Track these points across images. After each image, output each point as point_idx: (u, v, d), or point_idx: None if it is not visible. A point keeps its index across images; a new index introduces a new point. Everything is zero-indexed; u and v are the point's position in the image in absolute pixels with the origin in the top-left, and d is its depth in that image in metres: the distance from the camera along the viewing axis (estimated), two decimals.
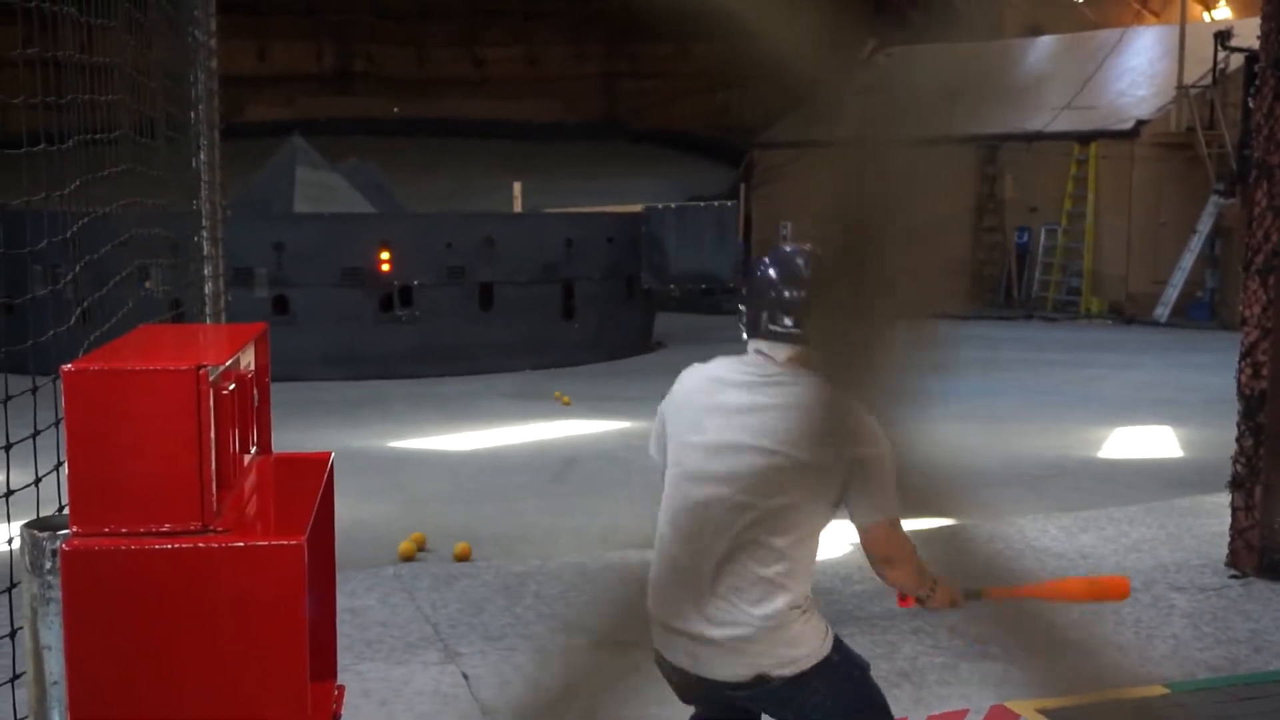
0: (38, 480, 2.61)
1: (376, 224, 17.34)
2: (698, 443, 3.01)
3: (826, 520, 3.00)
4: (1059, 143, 25.07)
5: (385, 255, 16.11)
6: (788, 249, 3.10)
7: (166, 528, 1.65)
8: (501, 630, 5.71)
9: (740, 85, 39.92)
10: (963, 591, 3.26)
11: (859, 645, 5.48)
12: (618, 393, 14.37)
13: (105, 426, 1.64)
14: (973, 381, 15.32)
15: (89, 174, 2.96)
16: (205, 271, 5.17)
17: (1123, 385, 15.10)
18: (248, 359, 1.94)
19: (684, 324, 20.12)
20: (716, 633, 2.90)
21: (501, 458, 10.69)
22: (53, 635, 1.77)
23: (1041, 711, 4.81)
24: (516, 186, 21.40)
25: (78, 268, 2.89)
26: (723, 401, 3.01)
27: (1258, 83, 6.81)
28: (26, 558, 1.82)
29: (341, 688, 2.17)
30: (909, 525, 3.22)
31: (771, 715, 3.07)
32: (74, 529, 1.66)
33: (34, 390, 2.48)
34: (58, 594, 1.73)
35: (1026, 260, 25.79)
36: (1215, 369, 15.30)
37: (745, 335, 3.08)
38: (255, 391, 1.97)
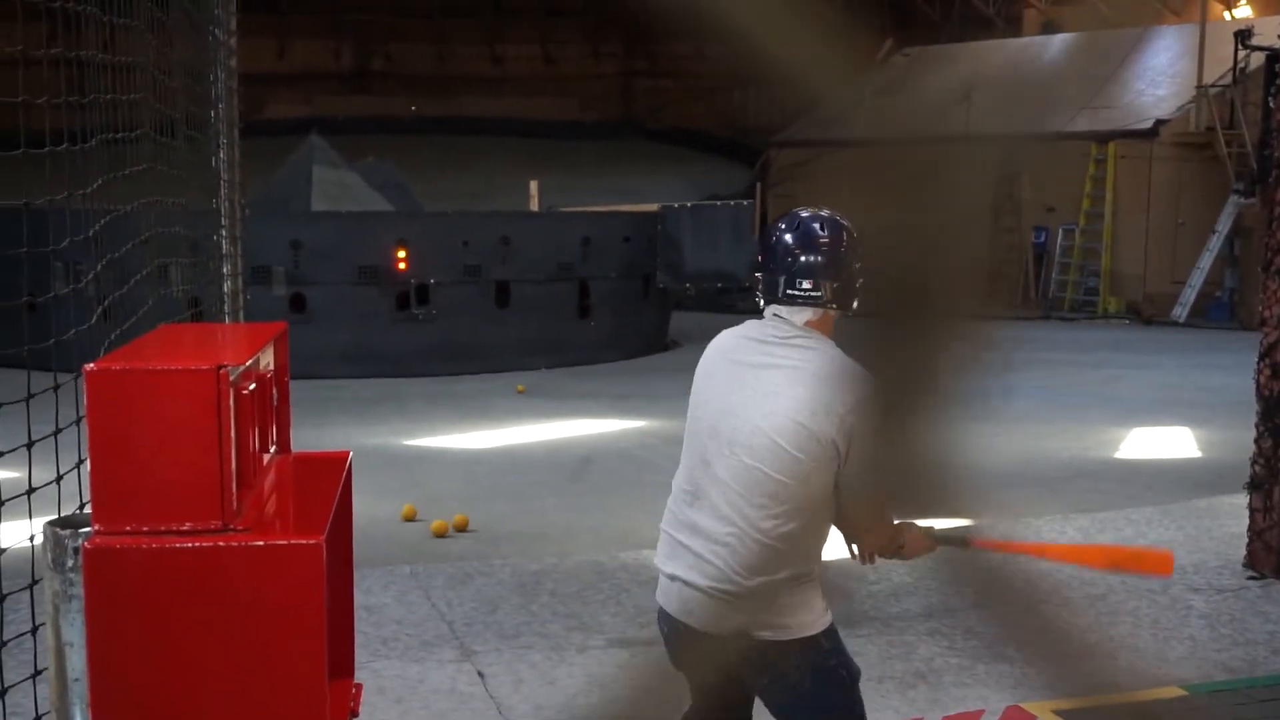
0: (59, 478, 2.63)
1: (393, 222, 17.38)
2: (714, 399, 3.07)
3: (834, 486, 2.98)
4: (1077, 142, 24.98)
5: (402, 254, 16.15)
6: (804, 214, 3.13)
7: (187, 526, 1.66)
8: (517, 629, 5.72)
9: (757, 85, 39.93)
10: (936, 536, 3.25)
11: (875, 646, 5.50)
12: (634, 391, 14.38)
13: (127, 425, 1.65)
14: (989, 381, 15.28)
15: (111, 172, 2.98)
16: (224, 270, 5.19)
17: (1141, 386, 15.05)
18: (267, 358, 1.95)
19: (699, 323, 20.12)
20: (705, 583, 2.95)
21: (518, 456, 10.71)
22: (74, 632, 1.79)
23: (1058, 713, 4.80)
24: (533, 185, 21.42)
25: (100, 266, 2.91)
26: (741, 358, 3.07)
27: (1278, 82, 6.78)
28: (49, 555, 1.84)
29: (359, 686, 2.18)
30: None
31: (749, 681, 3.06)
32: (96, 527, 1.67)
33: (55, 388, 2.50)
34: (79, 591, 1.74)
35: (1044, 260, 25.69)
36: (1234, 370, 15.22)
37: (762, 302, 3.11)
38: (275, 391, 1.99)
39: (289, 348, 2.11)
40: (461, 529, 8.13)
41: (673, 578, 3.04)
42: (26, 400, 2.42)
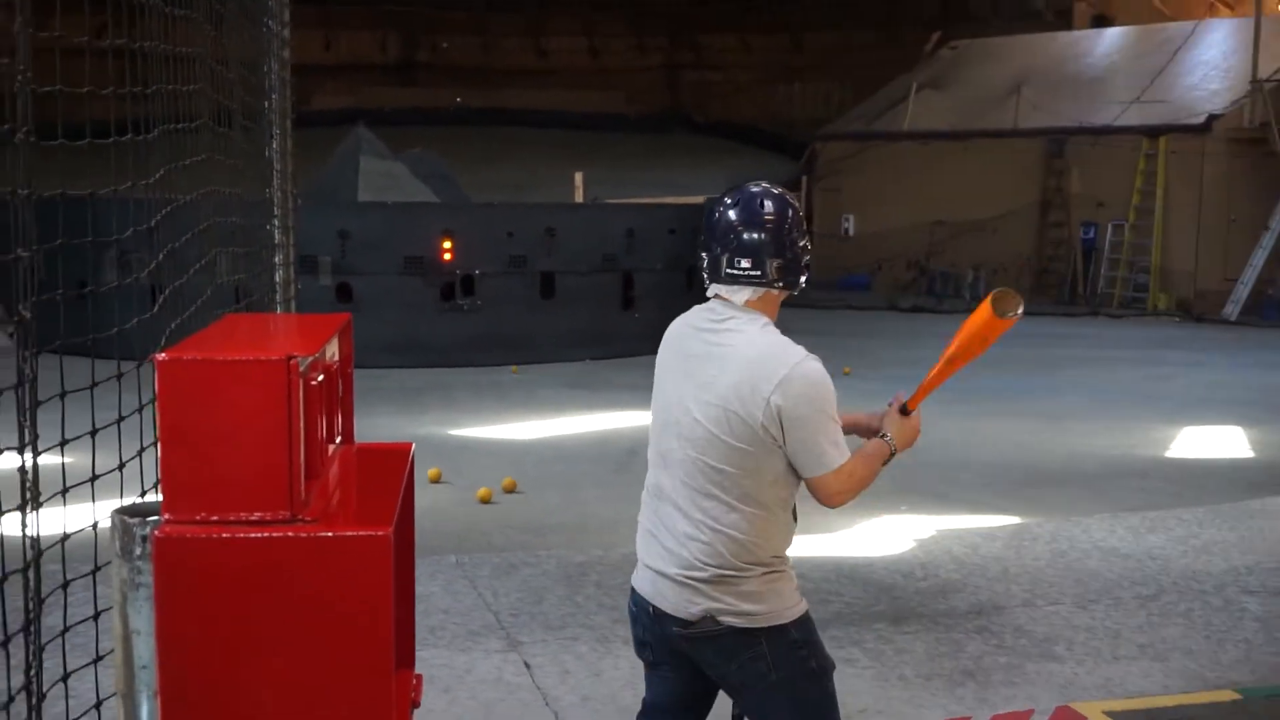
0: (121, 465, 2.65)
1: (439, 213, 17.44)
2: (664, 393, 3.06)
3: (784, 474, 2.92)
4: (1127, 137, 24.68)
5: (448, 244, 16.21)
6: (753, 189, 3.01)
7: (256, 516, 1.67)
8: (563, 620, 5.73)
9: (803, 78, 39.76)
10: (900, 412, 3.12)
11: (922, 643, 5.46)
12: None
13: (197, 415, 1.66)
14: (1037, 379, 15.16)
15: (171, 162, 3.00)
16: (276, 260, 5.23)
17: (1191, 384, 14.86)
18: (333, 349, 1.95)
19: None
20: (674, 571, 2.94)
21: (562, 447, 10.72)
22: (142, 620, 1.80)
23: (1108, 714, 4.75)
24: (578, 177, 21.43)
25: (160, 256, 2.93)
26: (685, 349, 3.03)
27: None
28: (117, 543, 1.85)
29: (419, 677, 2.19)
30: None
31: (716, 668, 3.00)
32: (165, 516, 1.68)
33: (119, 376, 2.52)
34: (147, 579, 1.75)
35: (1092, 256, 25.41)
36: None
37: (707, 280, 3.02)
38: (340, 382, 1.99)
39: None
40: (509, 491, 8.77)
41: (646, 566, 3.04)
42: (91, 388, 2.44)
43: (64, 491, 2.43)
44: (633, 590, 3.11)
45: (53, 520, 2.45)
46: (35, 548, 2.17)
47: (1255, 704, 4.87)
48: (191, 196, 3.28)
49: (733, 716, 3.15)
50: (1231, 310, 22.82)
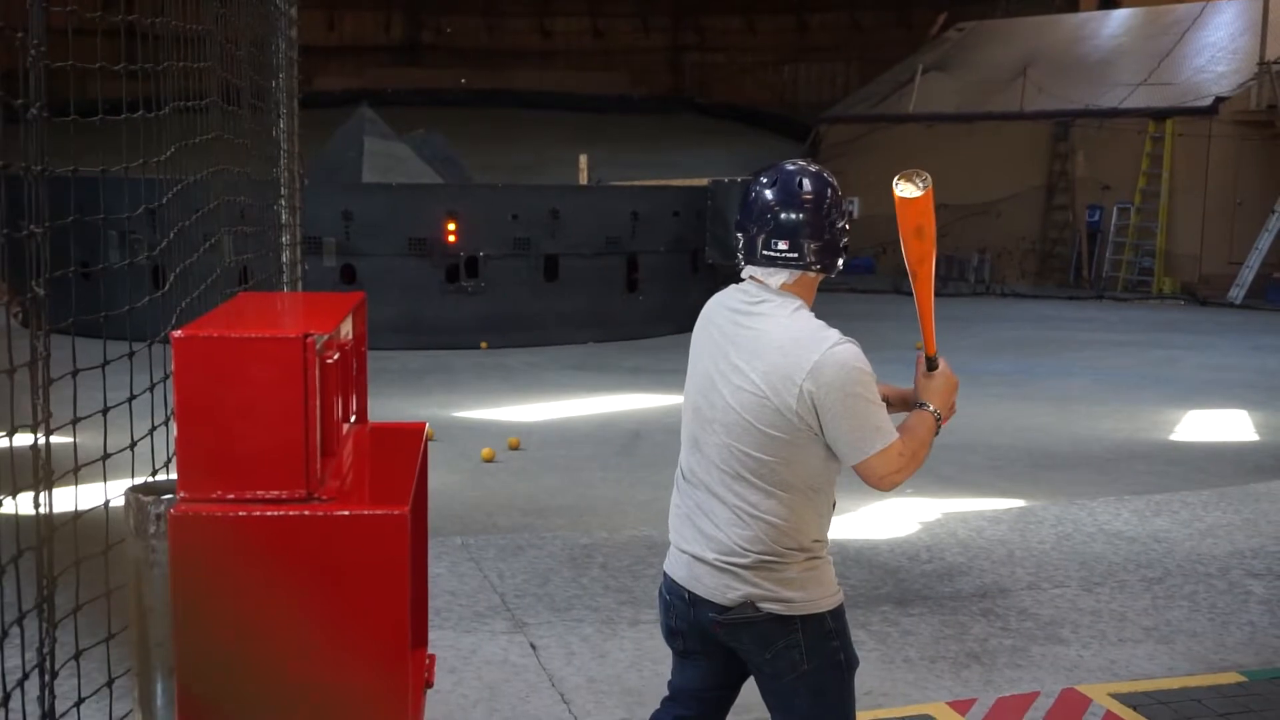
0: (133, 444, 2.65)
1: (443, 195, 17.41)
2: (697, 375, 3.00)
3: (823, 462, 2.85)
4: (1134, 120, 24.61)
5: (452, 226, 16.19)
6: (789, 168, 2.91)
7: (272, 495, 1.66)
8: (568, 601, 5.74)
9: (808, 60, 39.63)
10: (928, 372, 3.03)
11: (928, 625, 5.47)
12: (682, 367, 14.25)
13: (214, 393, 1.65)
14: (1043, 362, 15.15)
15: (182, 141, 2.99)
16: (283, 240, 5.23)
17: (1196, 367, 14.84)
18: (347, 328, 1.95)
19: None
20: (713, 556, 2.87)
21: (567, 429, 10.73)
22: (156, 598, 1.80)
23: (1113, 696, 4.76)
24: (583, 159, 21.39)
25: (171, 235, 2.92)
26: (719, 331, 2.95)
27: None
28: (131, 521, 1.85)
29: (433, 656, 2.19)
30: None
31: (750, 655, 2.94)
32: (181, 494, 1.68)
33: (130, 355, 2.52)
34: (162, 557, 1.75)
35: (1098, 239, 25.38)
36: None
37: (742, 261, 2.95)
38: (354, 361, 1.98)
39: None
40: (514, 448, 9.58)
41: (682, 551, 2.98)
42: (103, 367, 2.44)
43: (76, 470, 2.43)
44: (666, 576, 3.03)
45: (65, 499, 2.46)
46: (48, 526, 2.17)
47: (1259, 686, 4.88)
48: (201, 176, 3.27)
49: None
50: (1236, 294, 22.79)
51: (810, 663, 2.88)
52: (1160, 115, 24.41)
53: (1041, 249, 26.33)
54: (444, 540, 6.64)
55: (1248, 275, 22.91)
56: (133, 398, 2.65)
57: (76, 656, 2.43)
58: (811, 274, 2.89)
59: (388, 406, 10.88)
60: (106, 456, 2.49)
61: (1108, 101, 25.23)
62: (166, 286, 2.88)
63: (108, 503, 2.28)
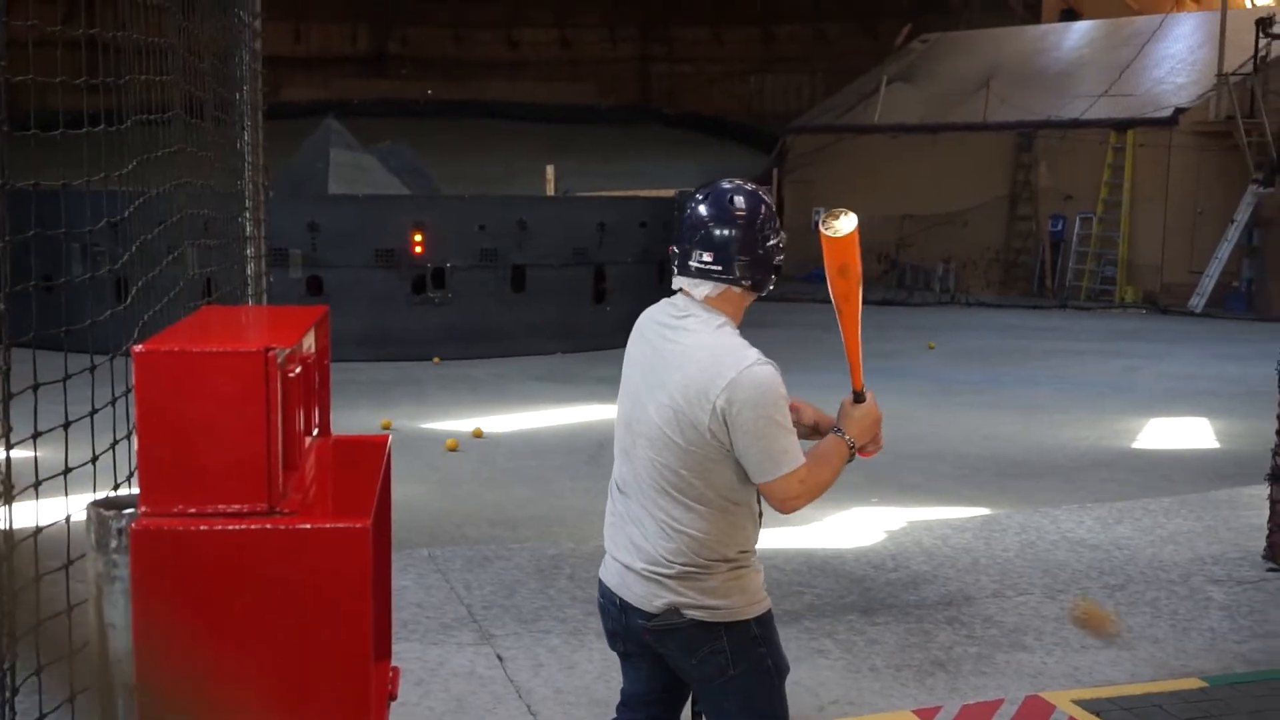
0: (94, 459, 2.64)
1: (410, 206, 17.39)
2: (628, 388, 3.06)
3: (738, 478, 2.89)
4: (1095, 130, 24.87)
5: (419, 237, 16.17)
6: (724, 185, 2.97)
7: (234, 509, 1.67)
8: (536, 613, 5.74)
9: (774, 71, 39.82)
10: (853, 403, 3.07)
11: (893, 634, 5.50)
12: None
13: (175, 407, 1.65)
14: (1006, 371, 15.26)
15: (144, 154, 2.98)
16: (247, 252, 5.20)
17: (1158, 376, 14.99)
18: (310, 342, 1.95)
19: None
20: (641, 566, 2.95)
21: (535, 440, 10.72)
22: (118, 613, 1.79)
23: (1077, 702, 4.80)
24: (549, 170, 21.42)
25: (134, 247, 2.91)
26: (647, 343, 3.01)
27: None
28: (92, 536, 1.84)
29: (397, 669, 2.19)
30: None
31: (677, 661, 3.01)
32: (143, 508, 1.68)
33: (92, 369, 2.51)
34: (123, 572, 1.75)
35: (1061, 249, 25.61)
36: (1252, 360, 15.17)
37: (675, 273, 2.99)
38: (317, 374, 1.99)
39: None
40: (477, 437, 10.42)
41: (614, 559, 3.05)
42: (64, 381, 2.43)
43: (36, 485, 2.42)
44: (600, 582, 3.13)
45: (25, 514, 2.44)
46: (8, 541, 2.16)
47: (1220, 691, 4.93)
48: (164, 189, 3.26)
49: (693, 713, 3.17)
50: (1197, 302, 23.05)
51: (737, 668, 2.96)
52: (1121, 126, 24.68)
53: (1006, 258, 26.55)
54: (411, 552, 6.62)
55: (1208, 284, 23.17)
56: (94, 412, 2.64)
57: (38, 673, 2.41)
58: (738, 290, 2.94)
59: (354, 419, 10.84)
60: (68, 471, 2.48)
61: (1070, 112, 25.50)
62: (129, 300, 2.87)
63: (69, 517, 2.27)
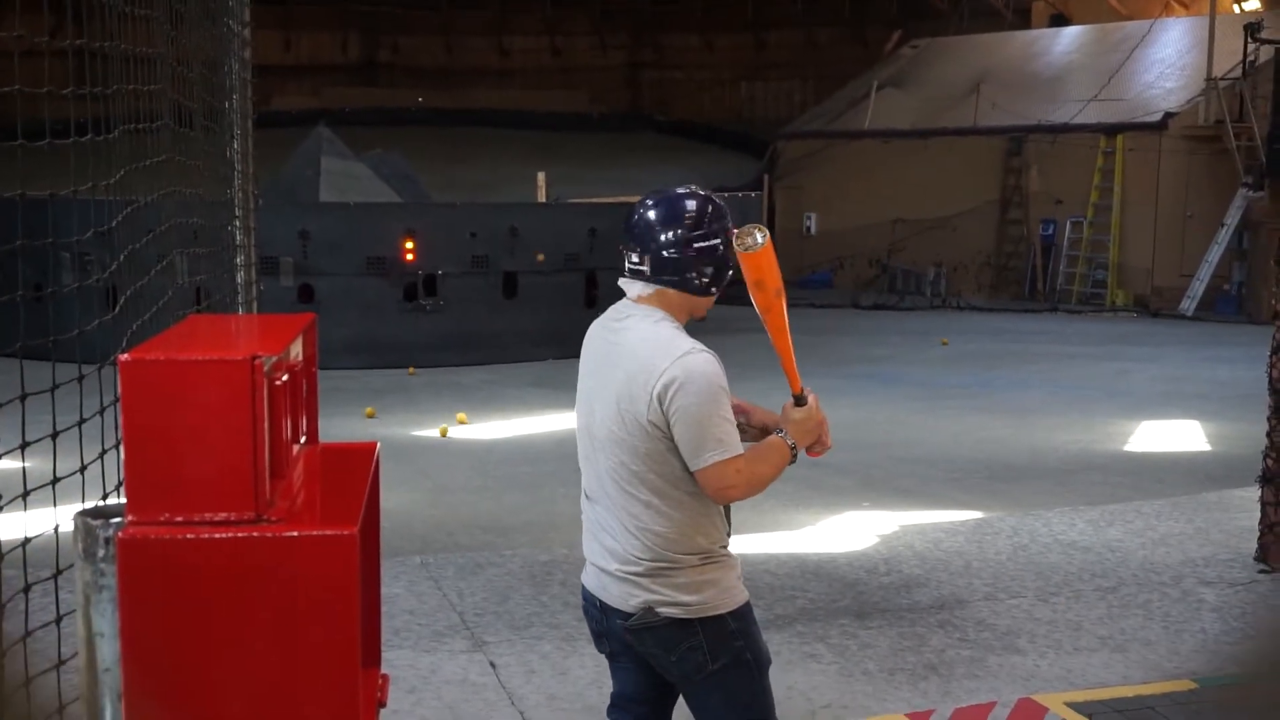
0: (83, 468, 2.64)
1: (401, 213, 17.39)
2: (582, 394, 3.12)
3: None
4: (1085, 135, 24.94)
5: (410, 244, 16.17)
6: (669, 192, 3.05)
7: (221, 517, 1.67)
8: (528, 619, 5.73)
9: (765, 77, 39.89)
10: (793, 406, 3.10)
11: (886, 638, 5.51)
12: None
13: (161, 415, 1.65)
14: (998, 374, 15.29)
15: (132, 163, 2.99)
16: (237, 261, 5.20)
17: (1149, 379, 15.03)
18: (297, 349, 1.95)
19: (707, 315, 20.06)
20: (614, 567, 2.99)
21: (527, 447, 10.72)
22: (105, 622, 1.79)
23: (1069, 705, 4.81)
24: (541, 176, 21.41)
25: (122, 257, 2.91)
26: (594, 348, 3.09)
27: None
28: (79, 545, 1.84)
29: (386, 677, 2.19)
30: None
31: (657, 659, 3.04)
32: (129, 517, 1.68)
33: (80, 379, 2.51)
34: (111, 581, 1.74)
35: (1052, 253, 25.67)
36: (1243, 363, 15.21)
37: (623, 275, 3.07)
38: (304, 382, 1.99)
39: None
40: (462, 423, 11.15)
41: (592, 564, 3.10)
42: (52, 390, 2.43)
43: (24, 495, 2.42)
44: (583, 587, 3.17)
45: (13, 525, 2.44)
46: None
47: (1211, 692, 4.94)
48: (152, 197, 3.26)
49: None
50: (1188, 306, 23.11)
51: (716, 663, 2.98)
52: (1111, 131, 24.75)
53: (997, 263, 26.60)
54: (403, 560, 6.62)
55: (1199, 287, 23.24)
56: (82, 421, 2.64)
57: (26, 684, 2.41)
58: (672, 291, 2.98)
59: (346, 425, 10.83)
60: (56, 480, 2.48)
61: (1060, 117, 25.57)
62: (116, 309, 2.87)
63: (58, 528, 2.27)
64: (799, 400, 3.10)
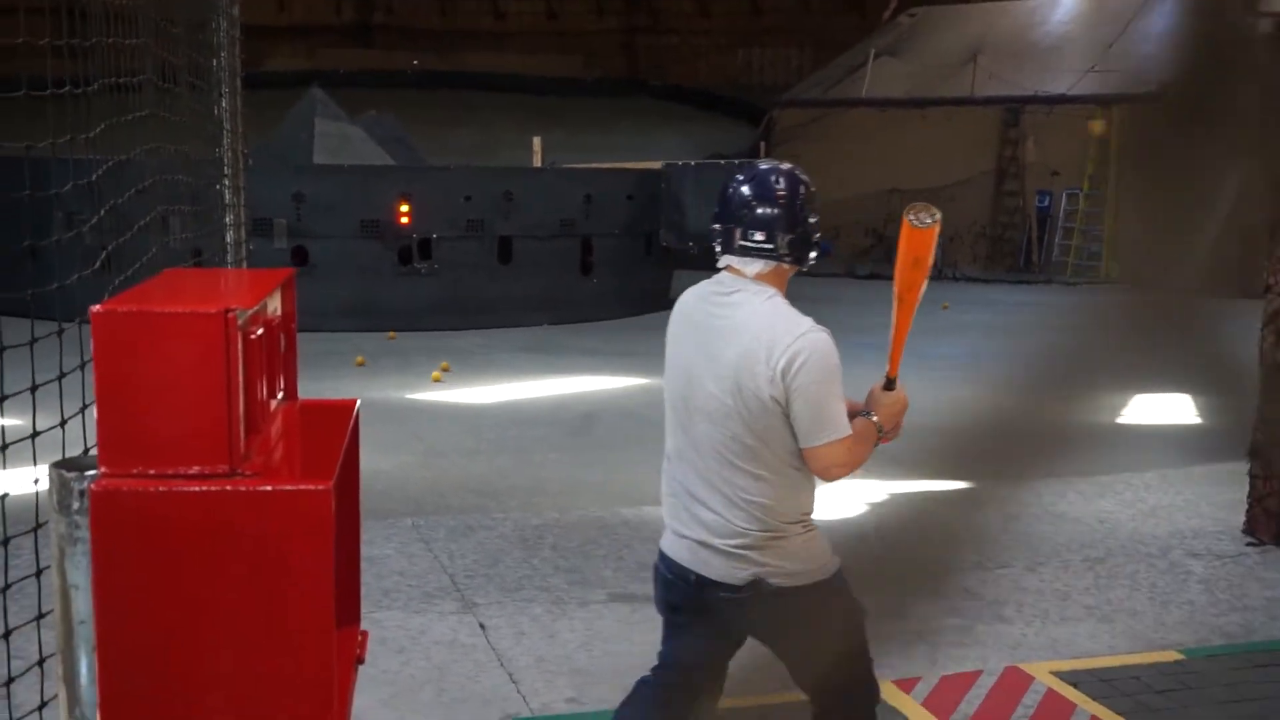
0: (63, 422, 2.62)
1: (396, 177, 17.32)
2: (677, 368, 3.11)
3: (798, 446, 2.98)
4: (1082, 106, 24.85)
5: (405, 208, 16.11)
6: (763, 166, 3.14)
7: (194, 470, 1.65)
8: (518, 582, 5.74)
9: (762, 43, 39.66)
10: (884, 390, 3.17)
11: (873, 605, 5.47)
12: (636, 349, 14.37)
13: (133, 368, 1.64)
14: (991, 344, 15.29)
15: (114, 118, 2.95)
16: (227, 220, 5.16)
17: (1141, 351, 15.01)
18: (275, 304, 1.93)
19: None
20: (718, 541, 3.00)
21: (520, 411, 10.71)
22: (80, 575, 1.78)
23: (1055, 674, 4.82)
24: (536, 141, 21.33)
25: (102, 212, 2.88)
26: (695, 321, 3.09)
27: None
28: (54, 497, 1.83)
29: (365, 633, 2.18)
30: None
31: (759, 626, 3.10)
32: (102, 470, 1.66)
33: (60, 333, 2.49)
34: (85, 534, 1.73)
35: (1047, 224, 25.63)
36: (1236, 337, 15.21)
37: (719, 252, 3.10)
38: (283, 337, 1.97)
39: None
40: (445, 370, 12.06)
41: (682, 536, 3.08)
42: (30, 345, 2.41)
43: (3, 449, 2.40)
44: (665, 556, 3.14)
45: None
46: None
47: (1197, 663, 4.96)
48: (135, 154, 3.23)
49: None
50: None
51: (827, 625, 3.08)
52: (1108, 102, 24.66)
53: (992, 234, 26.57)
54: (394, 521, 6.62)
55: None
56: (62, 375, 2.62)
57: (5, 636, 2.40)
58: (785, 265, 3.07)
59: (339, 387, 10.82)
60: (35, 435, 2.46)
61: (1056, 87, 25.47)
62: (97, 264, 2.84)
63: (37, 481, 2.25)
64: (889, 384, 3.16)
